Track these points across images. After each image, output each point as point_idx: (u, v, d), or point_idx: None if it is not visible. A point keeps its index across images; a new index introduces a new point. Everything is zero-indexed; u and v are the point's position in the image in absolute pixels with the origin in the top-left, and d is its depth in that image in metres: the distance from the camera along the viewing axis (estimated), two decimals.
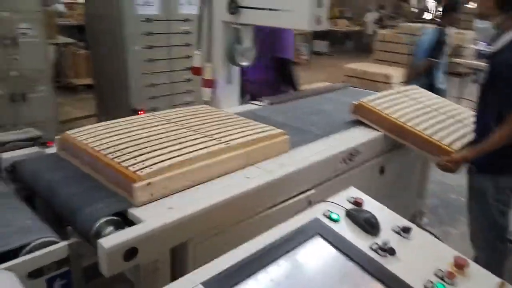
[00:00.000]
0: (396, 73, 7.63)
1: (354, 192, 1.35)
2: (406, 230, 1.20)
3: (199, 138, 1.69)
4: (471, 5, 9.96)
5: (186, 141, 1.64)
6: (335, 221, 1.21)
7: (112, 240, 1.15)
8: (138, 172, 1.37)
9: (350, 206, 1.27)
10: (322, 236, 1.15)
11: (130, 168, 1.40)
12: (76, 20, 8.77)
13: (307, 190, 1.75)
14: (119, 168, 1.41)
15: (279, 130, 1.86)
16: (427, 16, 16.49)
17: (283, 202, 1.65)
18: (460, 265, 1.09)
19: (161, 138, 1.66)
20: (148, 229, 1.21)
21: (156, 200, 1.38)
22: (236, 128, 1.83)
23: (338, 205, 1.27)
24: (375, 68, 8.12)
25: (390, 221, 1.24)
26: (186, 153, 1.53)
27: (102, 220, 1.25)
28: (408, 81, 4.27)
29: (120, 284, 1.40)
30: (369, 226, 1.19)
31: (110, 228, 1.24)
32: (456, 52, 6.96)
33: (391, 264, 1.09)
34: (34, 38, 4.16)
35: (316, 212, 1.24)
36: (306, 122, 2.29)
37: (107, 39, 4.46)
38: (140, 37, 4.24)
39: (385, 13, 15.43)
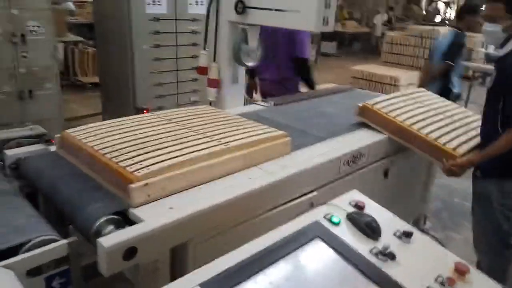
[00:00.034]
0: (404, 76, 7.61)
1: (356, 195, 1.34)
2: (407, 234, 1.18)
3: (199, 138, 1.67)
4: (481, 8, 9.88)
5: (186, 142, 1.63)
6: (335, 224, 1.20)
7: (112, 239, 1.15)
8: (135, 173, 1.36)
9: (351, 209, 1.27)
10: (322, 239, 1.14)
11: (128, 168, 1.38)
12: (86, 18, 8.85)
13: (309, 192, 1.75)
14: (117, 168, 1.40)
15: (281, 132, 1.85)
16: (438, 18, 16.39)
17: (284, 204, 1.64)
18: (461, 271, 1.08)
19: (160, 138, 1.65)
20: (148, 228, 1.21)
21: (153, 201, 1.37)
22: (237, 129, 1.82)
23: (339, 208, 1.26)
24: (383, 70, 8.10)
25: (392, 225, 1.23)
26: (185, 154, 1.51)
27: (103, 219, 1.24)
28: (423, 84, 4.20)
29: (120, 283, 1.40)
30: (370, 230, 1.18)
31: (111, 227, 1.24)
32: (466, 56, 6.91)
33: (391, 269, 1.08)
34: (43, 36, 4.19)
35: (317, 214, 1.23)
36: (310, 124, 2.28)
37: (115, 37, 4.48)
38: (148, 36, 4.24)
39: (394, 15, 15.38)
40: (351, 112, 2.38)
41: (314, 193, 1.76)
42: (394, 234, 1.20)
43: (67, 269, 1.18)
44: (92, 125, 1.76)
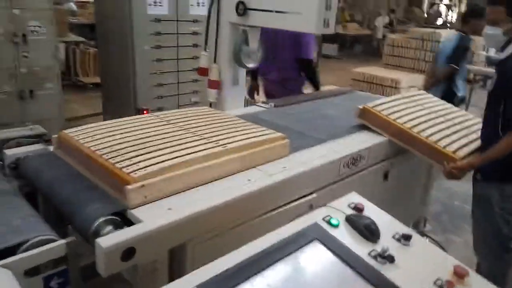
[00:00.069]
0: (405, 78, 7.61)
1: (355, 198, 1.34)
2: (407, 237, 1.18)
3: (197, 140, 1.66)
4: None
5: (184, 143, 1.61)
6: (334, 226, 1.20)
7: (110, 239, 1.14)
8: (132, 174, 1.35)
9: (350, 212, 1.26)
10: (320, 241, 1.14)
11: (124, 169, 1.37)
12: (88, 19, 8.87)
13: (309, 194, 1.74)
14: (113, 169, 1.39)
15: (279, 134, 1.84)
16: (439, 21, 16.38)
17: (283, 205, 1.64)
18: (460, 274, 1.07)
19: (158, 139, 1.63)
20: (146, 229, 1.21)
21: (150, 203, 1.36)
22: (235, 131, 1.81)
23: (338, 210, 1.25)
24: (384, 72, 8.09)
25: (391, 228, 1.22)
26: (183, 155, 1.50)
27: (101, 220, 1.24)
28: (428, 88, 4.18)
29: (118, 284, 1.39)
30: (369, 232, 1.18)
31: (109, 228, 1.24)
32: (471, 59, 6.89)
33: (389, 272, 1.07)
34: (44, 36, 4.20)
35: (315, 216, 1.22)
36: (310, 126, 2.28)
37: (116, 38, 4.48)
38: (149, 37, 4.25)
39: (395, 18, 15.39)
40: (352, 114, 2.37)
41: (314, 195, 1.75)
42: (393, 237, 1.19)
43: (65, 269, 1.18)
44: (89, 125, 1.74)
